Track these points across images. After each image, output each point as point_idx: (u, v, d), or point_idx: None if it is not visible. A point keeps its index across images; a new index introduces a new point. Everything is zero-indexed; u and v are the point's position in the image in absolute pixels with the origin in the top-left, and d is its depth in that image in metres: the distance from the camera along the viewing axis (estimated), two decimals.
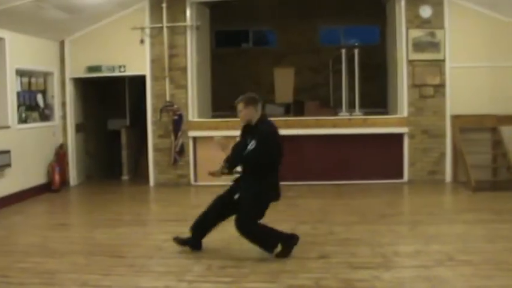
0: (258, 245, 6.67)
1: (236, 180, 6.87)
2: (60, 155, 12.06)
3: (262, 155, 6.50)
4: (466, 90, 11.69)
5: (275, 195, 6.75)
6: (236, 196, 6.71)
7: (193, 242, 6.98)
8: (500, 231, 7.71)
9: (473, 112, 11.59)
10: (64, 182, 12.06)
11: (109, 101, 13.97)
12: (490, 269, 6.05)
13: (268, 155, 6.57)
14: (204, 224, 6.94)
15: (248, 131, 6.72)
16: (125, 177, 13.41)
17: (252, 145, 6.50)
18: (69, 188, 12.22)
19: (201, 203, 10.66)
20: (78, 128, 12.72)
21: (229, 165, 6.69)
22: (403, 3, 11.84)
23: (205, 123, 12.34)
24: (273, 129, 6.70)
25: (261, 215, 6.64)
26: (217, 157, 11.81)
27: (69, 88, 12.39)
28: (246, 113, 6.69)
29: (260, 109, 6.76)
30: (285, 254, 6.63)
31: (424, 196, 10.59)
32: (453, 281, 5.75)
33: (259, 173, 6.59)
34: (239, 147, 6.72)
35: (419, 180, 11.73)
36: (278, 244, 6.65)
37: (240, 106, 6.71)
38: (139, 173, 13.33)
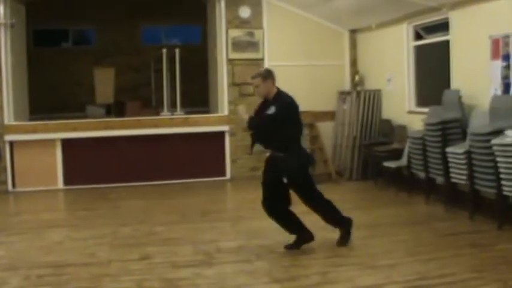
0: (331, 217, 6.81)
1: (267, 162, 6.81)
2: None
3: (283, 120, 6.42)
4: (285, 88, 11.90)
5: (311, 159, 7.06)
6: (285, 180, 6.58)
7: (303, 238, 6.74)
8: (317, 221, 7.82)
9: None
10: None
11: None
12: (308, 258, 6.35)
13: (291, 122, 6.54)
14: (293, 219, 6.78)
15: (266, 105, 6.57)
16: None
17: (270, 110, 6.42)
18: None
19: (20, 210, 10.30)
20: None
21: (249, 125, 6.64)
22: (223, 4, 12.00)
23: (22, 127, 11.75)
24: (293, 100, 6.66)
25: (314, 183, 6.79)
26: (37, 161, 11.46)
27: None
28: (264, 87, 6.56)
29: (275, 82, 6.66)
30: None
31: (246, 192, 10.74)
32: (273, 273, 5.94)
33: (290, 147, 6.56)
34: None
35: (241, 176, 11.91)
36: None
37: (258, 81, 6.57)
38: None
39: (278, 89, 6.70)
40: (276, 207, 6.73)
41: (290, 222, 6.76)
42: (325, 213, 6.82)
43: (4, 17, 11.51)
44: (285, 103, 6.58)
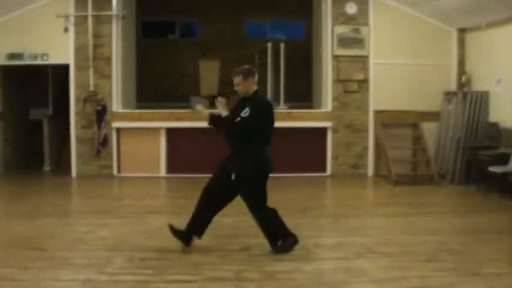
0: (269, 234, 6.64)
1: (228, 159, 6.66)
2: None
3: (254, 123, 6.34)
4: (389, 86, 11.96)
5: (271, 166, 6.62)
6: (233, 177, 6.47)
7: (186, 237, 6.74)
8: (418, 224, 7.93)
9: (394, 108, 11.88)
10: None
11: (31, 89, 13.62)
12: (407, 261, 6.23)
13: (261, 125, 6.42)
14: (203, 220, 6.76)
15: (243, 103, 6.53)
16: (47, 168, 13.12)
17: (245, 113, 6.34)
18: None
19: (124, 195, 10.71)
20: None
21: (215, 123, 6.64)
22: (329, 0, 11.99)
23: (129, 114, 12.21)
24: (268, 101, 6.73)
25: (265, 193, 6.63)
26: (141, 148, 11.86)
27: None
28: (245, 85, 6.50)
29: (256, 81, 6.62)
30: (281, 251, 6.59)
31: (346, 189, 10.78)
32: (371, 273, 5.88)
33: (252, 148, 6.47)
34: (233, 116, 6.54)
35: (341, 173, 11.93)
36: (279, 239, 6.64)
37: (238, 79, 6.49)
38: (61, 164, 13.07)
39: (256, 90, 6.57)
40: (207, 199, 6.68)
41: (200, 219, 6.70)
42: (265, 228, 6.65)
43: (116, 8, 11.97)
44: (260, 103, 6.50)
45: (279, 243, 6.61)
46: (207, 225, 6.74)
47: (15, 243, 6.96)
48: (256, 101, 6.48)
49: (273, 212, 6.66)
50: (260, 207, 6.59)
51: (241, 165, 6.42)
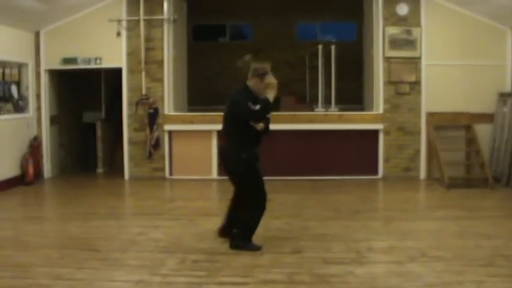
0: (244, 229, 6.76)
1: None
2: (34, 147, 11.95)
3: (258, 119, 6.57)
4: (441, 88, 11.80)
5: (252, 157, 6.76)
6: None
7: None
8: (472, 228, 7.80)
9: (447, 110, 11.72)
10: (38, 174, 11.96)
11: (84, 93, 13.85)
12: (461, 265, 6.11)
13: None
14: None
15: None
16: (100, 170, 13.35)
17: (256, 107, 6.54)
18: (43, 181, 12.12)
19: (175, 197, 10.82)
20: (53, 120, 12.62)
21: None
22: (380, 0, 11.89)
23: (181, 117, 12.32)
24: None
25: (262, 182, 6.87)
26: (193, 151, 11.96)
27: (44, 80, 12.27)
28: (252, 85, 6.74)
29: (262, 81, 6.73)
30: (236, 246, 6.71)
31: (399, 192, 10.67)
32: (425, 277, 5.80)
33: (245, 143, 6.66)
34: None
35: (393, 176, 11.82)
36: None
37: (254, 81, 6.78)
38: (114, 167, 13.27)
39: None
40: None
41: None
42: (243, 221, 6.75)
43: (168, 12, 12.10)
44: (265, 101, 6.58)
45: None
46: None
47: (71, 244, 7.09)
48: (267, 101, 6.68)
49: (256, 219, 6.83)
50: (250, 201, 6.83)
51: (232, 158, 6.79)
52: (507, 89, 11.74)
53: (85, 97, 13.91)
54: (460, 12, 11.81)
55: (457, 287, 5.54)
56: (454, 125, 11.79)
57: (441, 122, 11.69)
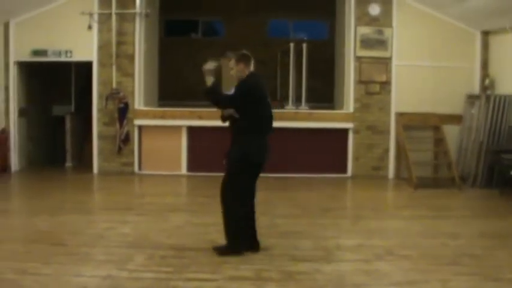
0: (227, 229, 6.51)
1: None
2: (2, 139, 11.81)
3: (236, 105, 6.39)
4: (411, 89, 11.92)
5: (262, 156, 6.56)
6: (224, 161, 6.55)
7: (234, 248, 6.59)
8: (438, 227, 7.90)
9: (416, 110, 11.82)
10: (5, 167, 11.83)
11: (55, 86, 13.73)
12: (428, 264, 6.19)
13: (249, 109, 6.40)
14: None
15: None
16: (69, 164, 13.23)
17: (231, 91, 6.48)
18: (10, 174, 11.98)
19: (144, 192, 10.78)
20: (21, 112, 12.46)
21: (213, 96, 6.51)
22: (352, 0, 11.95)
23: (151, 112, 12.27)
24: (251, 80, 6.52)
25: (244, 183, 6.57)
26: (163, 146, 11.91)
27: (13, 72, 12.10)
28: (238, 69, 6.51)
29: (251, 66, 6.59)
30: (223, 252, 6.46)
31: (367, 191, 10.75)
32: (392, 275, 5.86)
33: (245, 136, 6.45)
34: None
35: (362, 175, 11.90)
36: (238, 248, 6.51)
37: (231, 63, 6.54)
38: (83, 161, 13.16)
39: (251, 73, 6.56)
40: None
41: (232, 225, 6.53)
42: (226, 221, 6.52)
43: (140, 6, 12.03)
44: (243, 85, 6.45)
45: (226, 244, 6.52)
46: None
47: (38, 239, 7.02)
48: (242, 82, 6.49)
49: (244, 215, 6.59)
50: (234, 201, 6.49)
51: (231, 153, 6.47)
52: (475, 91, 11.90)
53: (55, 90, 13.78)
54: (431, 14, 11.94)
55: (424, 285, 5.61)
56: (423, 125, 11.91)
57: (410, 122, 11.79)
